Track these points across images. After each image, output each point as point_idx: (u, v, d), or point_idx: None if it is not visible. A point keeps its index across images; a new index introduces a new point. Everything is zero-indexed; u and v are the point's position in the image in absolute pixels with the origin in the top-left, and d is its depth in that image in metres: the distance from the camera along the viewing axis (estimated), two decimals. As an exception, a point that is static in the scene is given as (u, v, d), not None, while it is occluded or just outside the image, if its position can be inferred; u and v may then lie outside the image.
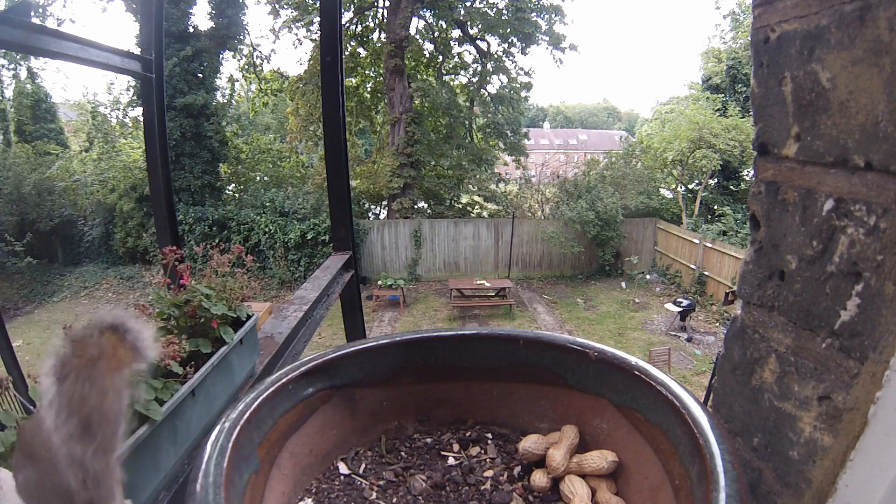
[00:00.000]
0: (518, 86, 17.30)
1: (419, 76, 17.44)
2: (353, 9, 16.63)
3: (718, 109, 15.88)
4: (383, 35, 16.99)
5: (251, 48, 17.21)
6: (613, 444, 0.80)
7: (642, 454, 0.75)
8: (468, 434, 0.91)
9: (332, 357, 0.84)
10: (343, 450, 0.88)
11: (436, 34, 17.52)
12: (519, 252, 15.33)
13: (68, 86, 47.16)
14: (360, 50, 17.88)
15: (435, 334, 0.93)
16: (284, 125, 20.21)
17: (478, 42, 17.33)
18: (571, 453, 0.81)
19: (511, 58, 17.18)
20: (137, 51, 2.67)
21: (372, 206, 17.48)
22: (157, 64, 2.63)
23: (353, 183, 15.54)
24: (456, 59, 18.11)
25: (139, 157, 14.91)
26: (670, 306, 12.06)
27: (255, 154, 16.96)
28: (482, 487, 0.80)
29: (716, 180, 16.66)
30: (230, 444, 0.69)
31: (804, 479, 0.64)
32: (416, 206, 16.23)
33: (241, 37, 15.96)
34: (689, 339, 10.97)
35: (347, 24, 16.78)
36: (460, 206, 17.50)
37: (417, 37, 17.15)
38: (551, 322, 12.23)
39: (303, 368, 0.81)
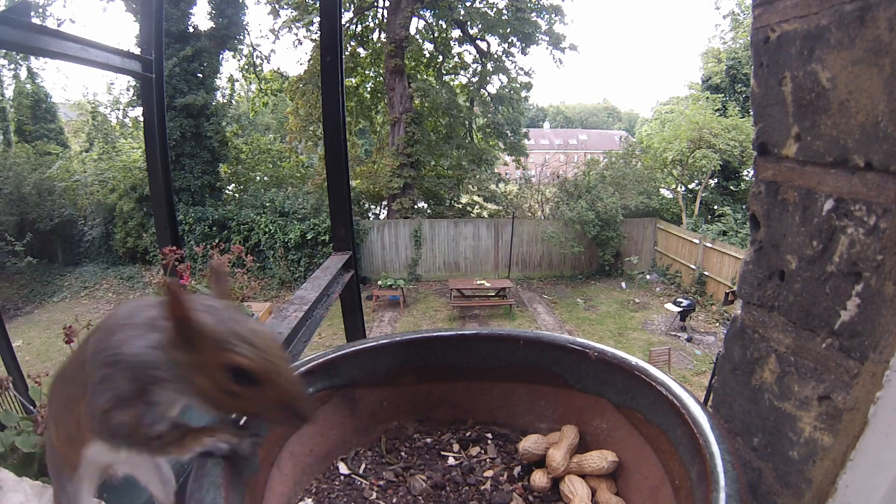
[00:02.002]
0: (518, 86, 17.30)
1: (419, 76, 17.44)
2: (353, 9, 16.62)
3: (718, 109, 15.88)
4: (383, 35, 16.99)
5: (251, 48, 17.22)
6: (613, 444, 0.80)
7: (642, 454, 0.75)
8: (468, 434, 0.91)
9: (332, 357, 0.84)
10: (343, 450, 0.88)
11: (436, 34, 17.52)
12: (519, 252, 15.33)
13: (68, 86, 47.15)
14: (360, 50, 17.88)
15: (435, 334, 0.93)
16: (284, 125, 20.19)
17: (478, 42, 17.33)
18: (571, 453, 0.81)
19: (511, 58, 17.20)
20: (137, 51, 2.68)
21: (372, 206, 17.48)
22: (157, 64, 2.63)
23: (353, 183, 15.54)
24: (456, 59, 18.11)
25: (139, 157, 14.90)
26: (670, 306, 12.06)
27: (255, 154, 16.95)
28: (482, 487, 0.80)
29: (716, 180, 16.66)
30: (230, 444, 0.69)
31: (804, 479, 0.64)
32: (416, 206, 16.23)
33: (241, 37, 15.96)
34: (689, 339, 10.97)
35: (347, 24, 16.78)
36: (460, 206, 17.50)
37: (417, 37, 17.14)
38: (551, 322, 12.23)
39: (303, 368, 0.81)
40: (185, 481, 0.65)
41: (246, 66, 17.66)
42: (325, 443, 0.85)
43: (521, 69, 17.42)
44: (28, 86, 17.30)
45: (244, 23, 15.61)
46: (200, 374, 0.61)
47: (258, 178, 17.08)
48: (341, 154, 2.61)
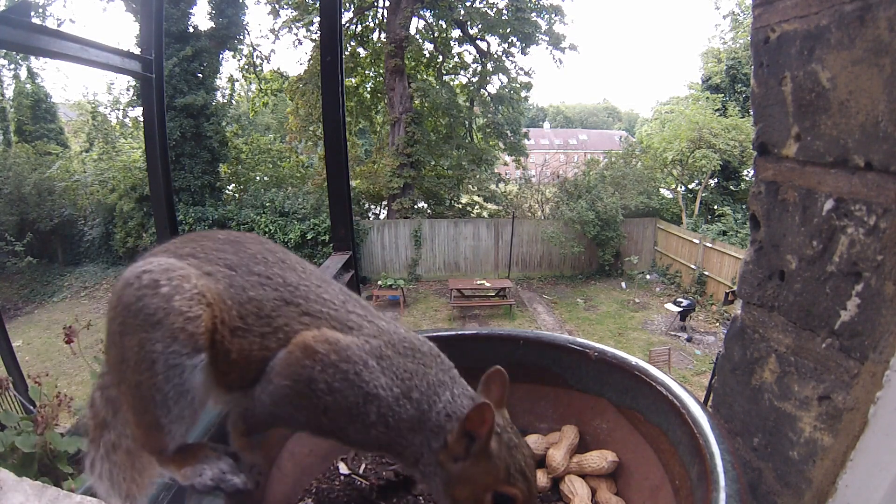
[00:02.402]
0: (518, 86, 17.30)
1: (419, 76, 17.44)
2: (353, 9, 16.62)
3: (718, 109, 15.87)
4: (383, 35, 16.98)
5: (251, 48, 17.22)
6: (613, 444, 0.80)
7: (642, 454, 0.75)
8: (468, 434, 0.91)
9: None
10: (343, 450, 0.87)
11: (436, 34, 17.52)
12: (519, 252, 15.33)
13: (68, 86, 47.16)
14: (360, 50, 17.88)
15: (435, 334, 0.93)
16: (284, 125, 20.19)
17: (478, 42, 17.33)
18: (571, 453, 0.81)
19: (511, 58, 17.20)
20: (137, 51, 2.68)
21: (372, 206, 17.48)
22: (157, 64, 2.63)
23: (353, 183, 15.53)
24: (456, 59, 18.11)
25: (139, 157, 14.90)
26: (670, 306, 12.06)
27: (255, 154, 16.96)
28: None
29: (716, 180, 16.66)
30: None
31: (804, 479, 0.64)
32: (416, 206, 16.23)
33: (241, 37, 15.95)
34: (689, 339, 10.97)
35: (347, 24, 16.78)
36: (460, 206, 17.50)
37: (417, 37, 17.14)
38: (551, 322, 12.23)
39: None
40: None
41: (246, 66, 17.66)
42: (325, 443, 0.84)
43: (521, 69, 17.43)
44: (28, 86, 17.30)
45: (244, 23, 15.61)
46: (463, 486, 0.63)
47: (258, 178, 17.08)
48: (341, 154, 2.61)
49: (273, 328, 0.63)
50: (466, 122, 18.01)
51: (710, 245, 13.03)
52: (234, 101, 19.28)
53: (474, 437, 0.61)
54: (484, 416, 0.59)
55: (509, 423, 0.66)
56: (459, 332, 0.93)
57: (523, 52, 16.99)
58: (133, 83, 14.95)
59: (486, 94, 17.56)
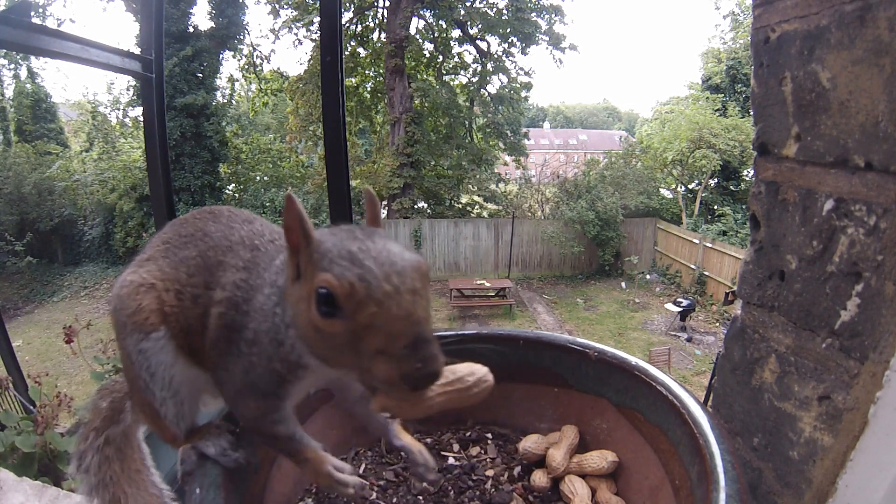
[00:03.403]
0: (518, 86, 17.31)
1: (419, 76, 17.45)
2: (353, 9, 16.63)
3: (718, 109, 15.87)
4: (383, 35, 16.99)
5: (251, 48, 17.22)
6: (613, 444, 0.80)
7: (642, 454, 0.75)
8: (468, 434, 0.91)
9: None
10: (343, 450, 0.88)
11: (436, 34, 17.53)
12: (519, 252, 15.33)
13: (68, 86, 46.97)
14: (360, 50, 17.88)
15: (434, 334, 0.93)
16: (284, 125, 20.18)
17: (478, 42, 17.34)
18: (571, 453, 0.81)
19: (511, 58, 17.21)
20: (137, 51, 2.68)
21: (372, 206, 17.48)
22: (157, 64, 2.63)
23: (353, 183, 15.50)
24: (456, 59, 18.12)
25: (139, 157, 14.90)
26: (670, 306, 12.06)
27: (255, 154, 16.95)
28: (482, 487, 0.80)
29: (716, 180, 16.66)
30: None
31: (804, 479, 0.64)
32: (416, 206, 16.24)
33: (241, 37, 15.95)
34: (689, 339, 10.96)
35: (347, 24, 16.78)
36: (460, 206, 17.51)
37: (417, 37, 17.15)
38: (551, 322, 12.23)
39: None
40: (184, 480, 0.65)
41: (246, 66, 17.65)
42: (325, 443, 0.84)
43: (521, 69, 17.45)
44: (28, 86, 17.30)
45: (244, 23, 15.61)
46: (297, 310, 0.49)
47: (258, 178, 17.08)
48: (341, 154, 2.61)
49: (193, 289, 0.65)
50: (466, 122, 18.02)
51: (710, 245, 13.04)
52: (234, 101, 19.29)
53: (296, 245, 0.48)
54: (292, 207, 0.46)
55: (372, 228, 0.53)
56: (459, 332, 0.93)
57: (523, 52, 17.01)
58: (133, 83, 14.95)
59: (486, 94, 17.57)
